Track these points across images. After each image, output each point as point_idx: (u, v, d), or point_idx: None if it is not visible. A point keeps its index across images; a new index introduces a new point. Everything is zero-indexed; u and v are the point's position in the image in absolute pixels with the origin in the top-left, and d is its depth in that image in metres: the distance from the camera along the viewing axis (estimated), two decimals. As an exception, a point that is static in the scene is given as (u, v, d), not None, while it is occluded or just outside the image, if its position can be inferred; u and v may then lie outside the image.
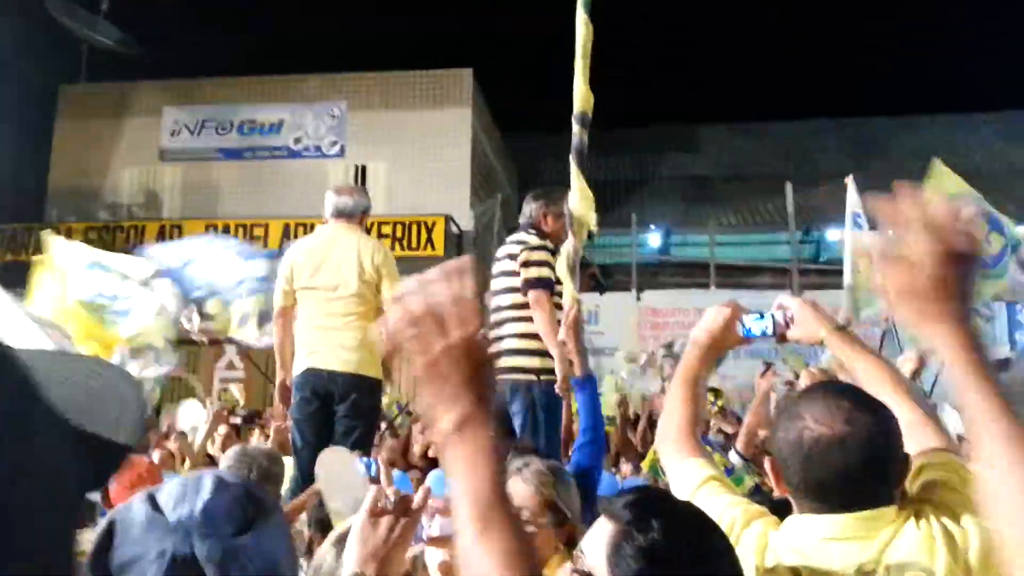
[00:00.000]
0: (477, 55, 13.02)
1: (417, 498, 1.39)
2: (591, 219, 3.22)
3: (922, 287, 0.98)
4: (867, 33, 14.23)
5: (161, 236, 12.73)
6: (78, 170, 13.55)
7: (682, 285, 12.30)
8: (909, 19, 14.10)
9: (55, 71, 13.77)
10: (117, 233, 12.62)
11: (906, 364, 3.24)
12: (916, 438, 1.42)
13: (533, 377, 3.58)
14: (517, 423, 3.62)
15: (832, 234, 12.87)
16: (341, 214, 3.99)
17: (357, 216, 4.03)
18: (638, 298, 11.41)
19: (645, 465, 4.29)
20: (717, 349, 1.77)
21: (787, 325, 1.70)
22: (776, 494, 1.56)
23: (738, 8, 14.31)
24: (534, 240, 3.74)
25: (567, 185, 3.21)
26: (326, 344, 3.79)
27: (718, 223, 14.15)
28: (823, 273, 12.09)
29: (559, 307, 3.48)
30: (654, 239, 14.54)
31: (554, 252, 3.57)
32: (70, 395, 0.50)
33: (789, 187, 11.55)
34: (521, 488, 1.94)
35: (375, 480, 2.58)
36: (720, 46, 14.90)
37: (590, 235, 3.31)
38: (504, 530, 0.89)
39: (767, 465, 1.46)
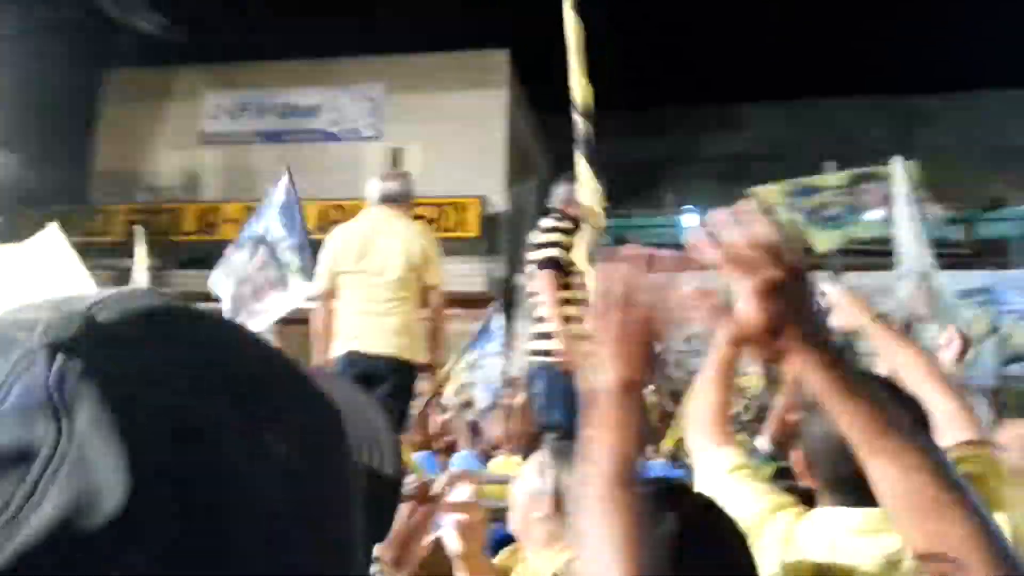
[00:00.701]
0: (514, 36, 12.88)
1: (438, 484, 1.37)
2: (598, 211, 3.26)
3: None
4: (910, 8, 13.82)
5: (200, 218, 12.96)
6: (121, 154, 13.81)
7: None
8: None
9: (99, 55, 13.98)
10: (159, 215, 12.86)
11: (953, 343, 3.03)
12: (951, 431, 1.41)
13: (552, 359, 3.70)
14: (538, 404, 3.82)
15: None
16: (387, 200, 4.02)
17: (404, 202, 4.06)
18: (675, 280, 11.27)
19: (669, 442, 4.26)
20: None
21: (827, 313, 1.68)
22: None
23: (779, -16, 14.04)
24: (548, 223, 3.84)
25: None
26: (369, 328, 3.83)
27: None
28: (863, 254, 11.84)
29: (567, 287, 3.62)
30: (691, 220, 14.38)
31: (570, 231, 3.65)
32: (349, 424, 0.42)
33: (833, 167, 11.30)
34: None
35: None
36: (759, 23, 14.62)
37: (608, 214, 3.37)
38: (628, 512, 0.86)
39: (793, 457, 1.46)
